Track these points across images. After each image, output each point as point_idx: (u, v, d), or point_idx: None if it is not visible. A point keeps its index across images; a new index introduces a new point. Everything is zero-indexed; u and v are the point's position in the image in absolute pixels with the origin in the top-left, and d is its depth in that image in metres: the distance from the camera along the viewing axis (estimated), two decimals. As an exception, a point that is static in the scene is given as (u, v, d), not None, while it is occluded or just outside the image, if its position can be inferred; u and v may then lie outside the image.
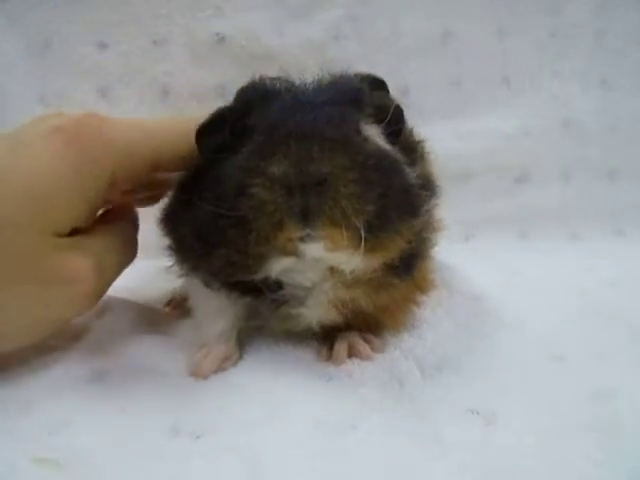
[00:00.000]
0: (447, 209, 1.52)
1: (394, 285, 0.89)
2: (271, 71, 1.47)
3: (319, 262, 0.84)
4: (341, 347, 0.95)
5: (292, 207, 0.76)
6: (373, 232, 0.78)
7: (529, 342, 0.98)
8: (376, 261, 0.83)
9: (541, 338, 0.99)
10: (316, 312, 0.91)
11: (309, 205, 0.75)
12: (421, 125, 1.54)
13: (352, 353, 0.94)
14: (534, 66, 1.57)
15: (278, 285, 0.88)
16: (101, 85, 1.52)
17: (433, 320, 1.03)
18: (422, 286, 1.04)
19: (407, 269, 0.89)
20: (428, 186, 0.94)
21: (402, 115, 0.93)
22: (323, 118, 0.79)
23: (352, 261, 0.81)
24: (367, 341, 0.96)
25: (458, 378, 0.89)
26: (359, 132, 0.84)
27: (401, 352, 0.94)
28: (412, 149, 0.98)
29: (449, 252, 1.32)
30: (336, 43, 1.51)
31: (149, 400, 0.86)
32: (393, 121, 0.91)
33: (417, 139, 1.07)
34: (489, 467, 0.70)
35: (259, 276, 0.85)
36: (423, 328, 1.01)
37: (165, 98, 1.51)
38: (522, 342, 0.98)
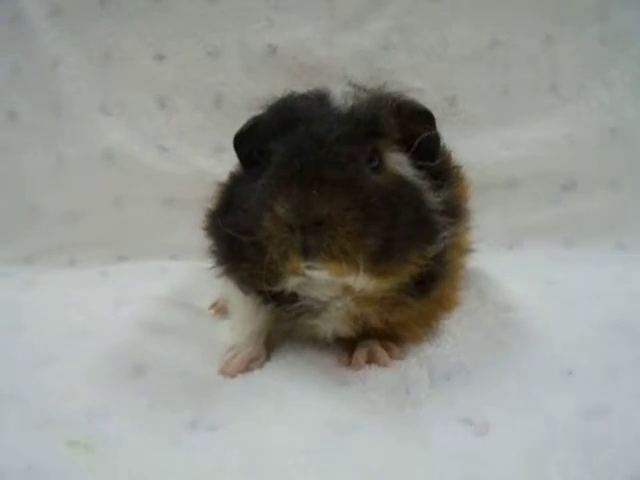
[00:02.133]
0: (493, 217, 1.55)
1: (408, 304, 0.94)
2: (320, 81, 1.53)
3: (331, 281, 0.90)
4: (360, 354, 1.00)
5: (294, 243, 0.83)
6: (378, 261, 0.83)
7: (545, 355, 1.00)
8: (387, 283, 0.89)
9: (558, 351, 1.00)
10: (330, 325, 0.98)
11: (308, 243, 0.82)
12: (469, 134, 1.57)
13: (371, 359, 0.99)
14: (583, 73, 1.56)
15: (294, 297, 0.95)
16: (159, 94, 1.59)
17: (456, 330, 1.07)
18: (444, 304, 1.08)
19: (422, 290, 0.93)
20: (455, 211, 0.98)
21: (437, 145, 0.98)
22: (329, 158, 0.84)
23: (358, 282, 0.87)
24: (387, 349, 1.01)
25: (463, 387, 0.92)
26: (372, 163, 0.88)
27: (418, 360, 0.99)
28: (444, 173, 1.01)
29: (492, 260, 1.35)
30: (385, 53, 1.54)
31: (176, 396, 0.93)
32: (426, 150, 0.94)
33: (453, 165, 1.10)
34: (468, 476, 0.73)
35: (277, 288, 0.92)
36: (443, 338, 1.05)
37: (219, 107, 1.57)
38: (538, 355, 1.00)
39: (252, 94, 1.54)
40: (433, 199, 0.92)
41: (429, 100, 1.54)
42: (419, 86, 1.53)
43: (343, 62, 1.53)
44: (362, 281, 0.87)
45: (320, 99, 0.94)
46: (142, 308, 1.25)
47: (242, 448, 0.79)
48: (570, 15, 1.56)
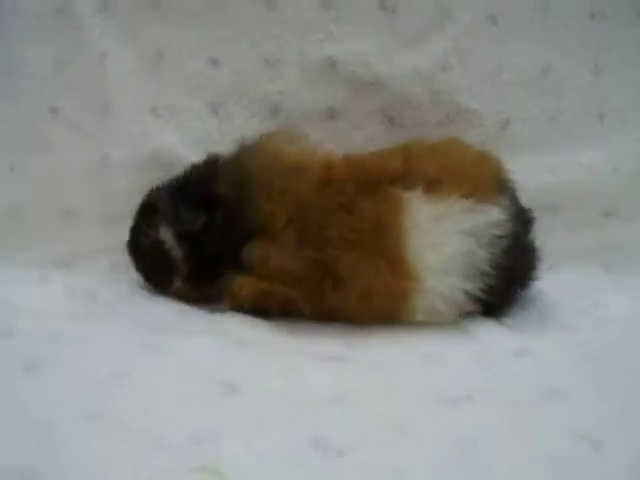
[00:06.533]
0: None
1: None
2: (379, 97, 1.52)
3: None
4: None
5: None
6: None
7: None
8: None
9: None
10: None
11: None
12: (518, 156, 1.60)
13: None
14: (629, 103, 1.60)
15: None
16: (212, 100, 1.55)
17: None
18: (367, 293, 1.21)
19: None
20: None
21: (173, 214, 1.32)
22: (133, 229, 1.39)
23: None
24: None
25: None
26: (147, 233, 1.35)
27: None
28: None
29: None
30: (443, 74, 1.54)
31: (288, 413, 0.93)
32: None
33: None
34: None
35: None
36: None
37: (275, 116, 1.55)
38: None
39: (310, 105, 1.54)
40: (177, 253, 1.31)
41: (484, 122, 1.58)
42: (475, 108, 1.55)
43: (401, 79, 1.53)
44: None
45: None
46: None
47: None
48: (617, 45, 1.59)
